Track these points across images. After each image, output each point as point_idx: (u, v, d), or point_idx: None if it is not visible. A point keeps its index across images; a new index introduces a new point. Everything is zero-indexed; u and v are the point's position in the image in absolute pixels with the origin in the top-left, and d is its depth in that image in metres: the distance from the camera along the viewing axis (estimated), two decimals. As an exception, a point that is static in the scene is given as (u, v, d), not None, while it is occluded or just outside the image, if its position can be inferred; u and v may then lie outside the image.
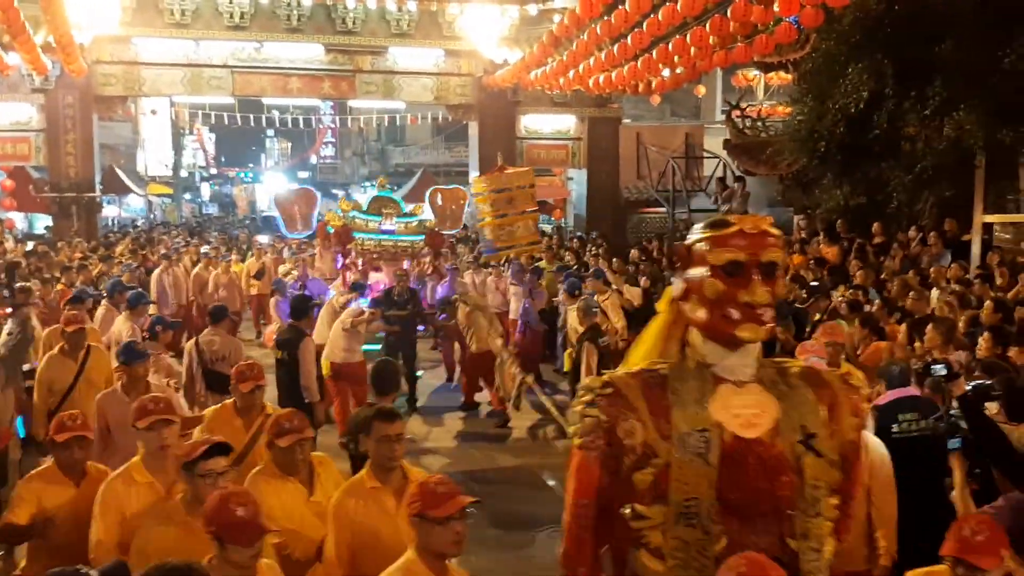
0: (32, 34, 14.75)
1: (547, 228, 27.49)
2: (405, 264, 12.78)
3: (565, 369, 10.34)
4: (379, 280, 12.30)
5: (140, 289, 10.31)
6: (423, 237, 12.86)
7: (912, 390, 5.17)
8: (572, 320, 9.86)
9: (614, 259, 14.43)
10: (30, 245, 17.66)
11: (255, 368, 5.15)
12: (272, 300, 12.95)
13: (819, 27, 12.74)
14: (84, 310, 8.07)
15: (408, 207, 13.14)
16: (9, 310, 8.26)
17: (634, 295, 11.26)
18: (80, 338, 6.82)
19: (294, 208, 13.33)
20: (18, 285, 9.95)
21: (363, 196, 14.86)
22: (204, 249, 17.37)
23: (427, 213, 13.14)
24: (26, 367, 7.32)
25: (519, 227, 13.32)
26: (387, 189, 13.68)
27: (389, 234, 12.49)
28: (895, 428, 4.89)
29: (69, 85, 18.84)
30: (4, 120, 19.31)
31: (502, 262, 13.79)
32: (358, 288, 10.80)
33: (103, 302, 9.87)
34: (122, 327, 8.32)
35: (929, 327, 6.84)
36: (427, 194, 13.49)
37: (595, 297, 10.66)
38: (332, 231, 12.61)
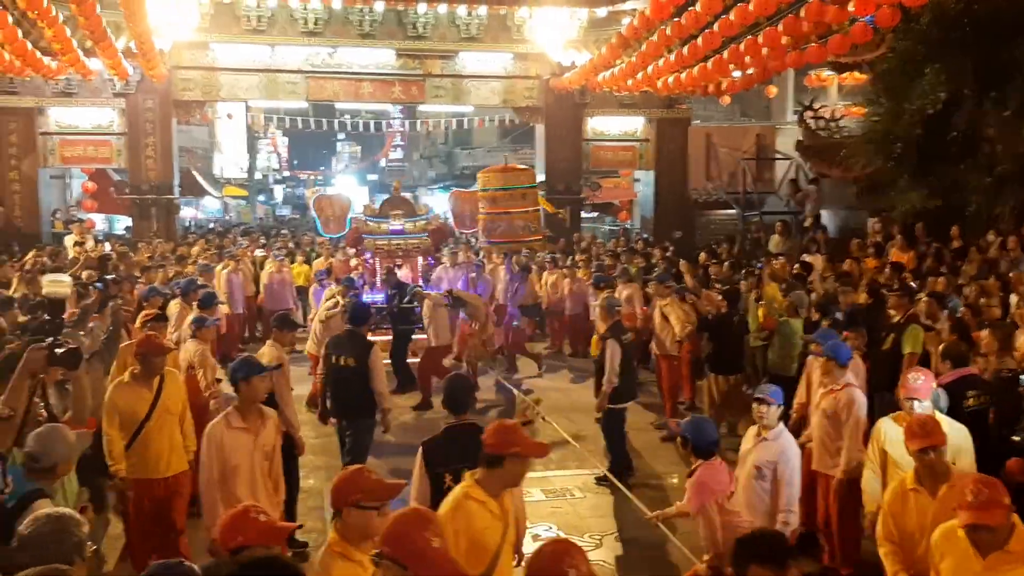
0: (114, 40, 15.24)
1: (613, 229, 27.46)
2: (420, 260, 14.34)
3: (593, 354, 10.57)
4: (405, 276, 13.49)
5: (212, 289, 10.66)
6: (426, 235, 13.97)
7: (972, 369, 6.31)
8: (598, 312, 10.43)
9: (682, 261, 14.30)
10: (109, 246, 18.23)
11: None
12: (311, 288, 14.11)
13: (895, 27, 12.45)
14: (164, 329, 7.60)
15: (418, 208, 14.43)
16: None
17: (713, 301, 11.02)
18: (158, 364, 6.15)
19: (330, 210, 14.40)
20: (109, 277, 10.29)
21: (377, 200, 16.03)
22: (258, 252, 17.81)
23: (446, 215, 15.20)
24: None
25: (519, 223, 14.21)
26: (399, 192, 14.85)
27: (397, 234, 13.59)
28: (965, 404, 5.86)
29: (149, 90, 19.40)
30: (87, 123, 19.96)
31: (502, 255, 14.74)
32: (347, 283, 11.88)
33: (176, 299, 10.14)
34: (173, 314, 8.98)
35: (985, 332, 6.81)
36: (448, 195, 14.76)
37: (658, 300, 10.99)
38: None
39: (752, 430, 5.85)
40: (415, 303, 12.10)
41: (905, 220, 13.94)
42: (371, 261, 14.08)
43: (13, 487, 3.74)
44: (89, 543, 3.15)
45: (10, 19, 12.63)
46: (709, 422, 5.57)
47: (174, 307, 9.98)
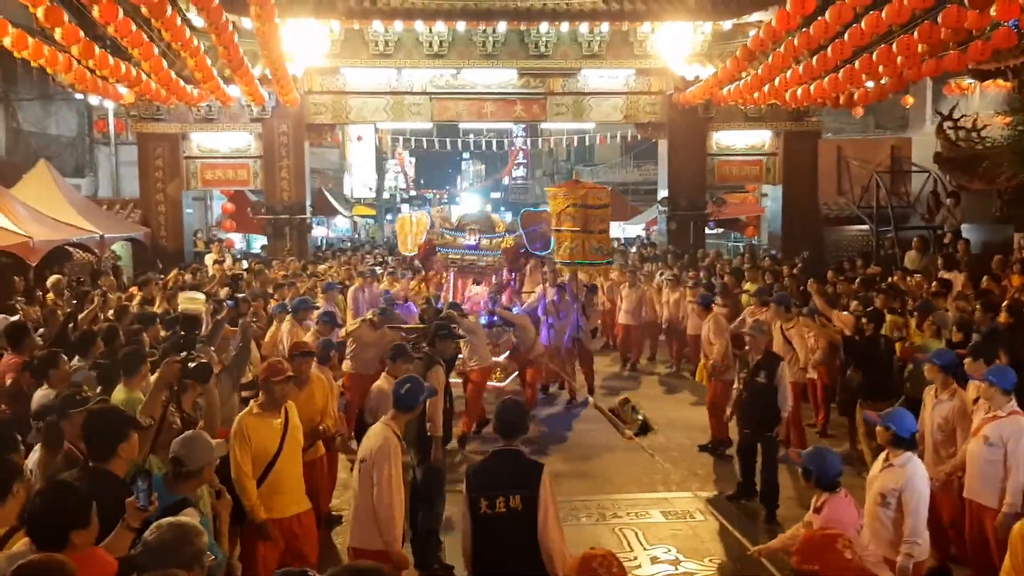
0: (250, 68, 15.97)
1: (735, 246, 26.86)
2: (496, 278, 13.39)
3: (696, 379, 10.63)
4: (479, 294, 12.98)
5: (307, 298, 11.08)
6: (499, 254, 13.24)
7: None
8: (706, 332, 10.66)
9: (810, 280, 13.79)
10: (246, 264, 19.05)
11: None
12: (351, 290, 13.85)
13: (1043, 29, 11.78)
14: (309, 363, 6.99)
15: (495, 224, 13.62)
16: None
17: (845, 322, 10.51)
18: (285, 391, 5.78)
19: (409, 227, 13.96)
20: (240, 296, 10.71)
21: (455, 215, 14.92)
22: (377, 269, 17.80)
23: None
24: (243, 380, 7.77)
25: (593, 244, 12.56)
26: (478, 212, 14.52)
27: (471, 249, 13.07)
28: None
29: (283, 114, 20.23)
30: (226, 148, 20.97)
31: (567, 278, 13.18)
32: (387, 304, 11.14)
33: (288, 317, 10.24)
34: (284, 331, 9.16)
35: None
36: (520, 215, 13.81)
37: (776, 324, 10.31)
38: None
39: (880, 456, 5.57)
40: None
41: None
42: (444, 277, 13.71)
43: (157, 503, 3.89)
44: (208, 554, 3.25)
45: (156, 50, 13.42)
46: (832, 452, 5.18)
47: (285, 326, 10.03)
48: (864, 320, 9.65)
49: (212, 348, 6.81)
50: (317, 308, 10.22)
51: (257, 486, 5.44)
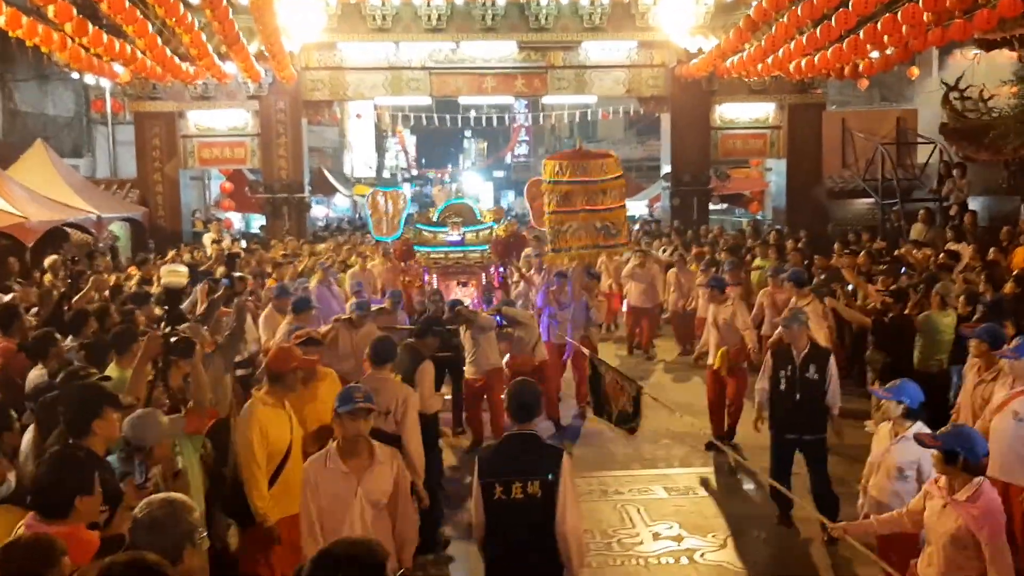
0: (246, 44, 15.77)
1: (736, 221, 26.68)
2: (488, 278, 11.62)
3: (715, 366, 9.38)
4: (468, 296, 11.33)
5: (307, 296, 9.37)
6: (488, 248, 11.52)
7: None
8: (726, 318, 9.44)
9: (816, 256, 13.64)
10: (245, 243, 18.93)
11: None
12: (350, 272, 12.86)
13: (1051, -3, 11.53)
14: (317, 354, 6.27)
15: (483, 214, 11.92)
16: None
17: (875, 296, 10.18)
18: (294, 380, 5.44)
19: (381, 207, 12.71)
20: (236, 275, 10.56)
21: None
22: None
23: (507, 220, 12.42)
24: (237, 358, 7.68)
25: (596, 223, 10.06)
26: (461, 196, 12.59)
27: (455, 245, 11.42)
28: None
29: (280, 91, 20.02)
30: (223, 126, 20.80)
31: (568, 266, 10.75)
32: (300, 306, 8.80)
33: (269, 305, 9.57)
34: (281, 332, 8.17)
35: None
36: (527, 185, 12.42)
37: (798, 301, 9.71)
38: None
39: (884, 428, 5.51)
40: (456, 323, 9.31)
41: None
42: (427, 279, 11.76)
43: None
44: (200, 530, 3.16)
45: (151, 28, 13.22)
46: (975, 430, 4.72)
47: (266, 310, 9.49)
48: (890, 299, 9.37)
49: (206, 327, 6.70)
50: (315, 307, 9.07)
51: (272, 484, 5.13)
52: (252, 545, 5.18)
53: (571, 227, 10.04)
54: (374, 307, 9.45)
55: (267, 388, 5.33)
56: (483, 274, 11.65)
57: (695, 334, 13.30)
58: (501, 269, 11.84)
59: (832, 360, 7.16)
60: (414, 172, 67.55)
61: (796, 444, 7.13)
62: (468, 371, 9.44)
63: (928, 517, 4.50)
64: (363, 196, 43.71)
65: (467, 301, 10.76)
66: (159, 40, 13.97)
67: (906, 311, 9.30)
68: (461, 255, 11.47)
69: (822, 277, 12.11)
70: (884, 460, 5.38)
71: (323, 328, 8.43)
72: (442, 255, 11.51)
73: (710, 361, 9.60)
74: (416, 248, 11.68)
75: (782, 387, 7.11)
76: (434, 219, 11.59)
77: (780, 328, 7.78)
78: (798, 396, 7.02)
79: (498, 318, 9.85)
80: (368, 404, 4.38)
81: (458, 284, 11.50)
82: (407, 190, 66.03)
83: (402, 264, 12.58)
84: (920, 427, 5.20)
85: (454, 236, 11.39)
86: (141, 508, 3.19)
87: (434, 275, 11.59)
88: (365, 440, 4.45)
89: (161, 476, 4.21)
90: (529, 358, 9.82)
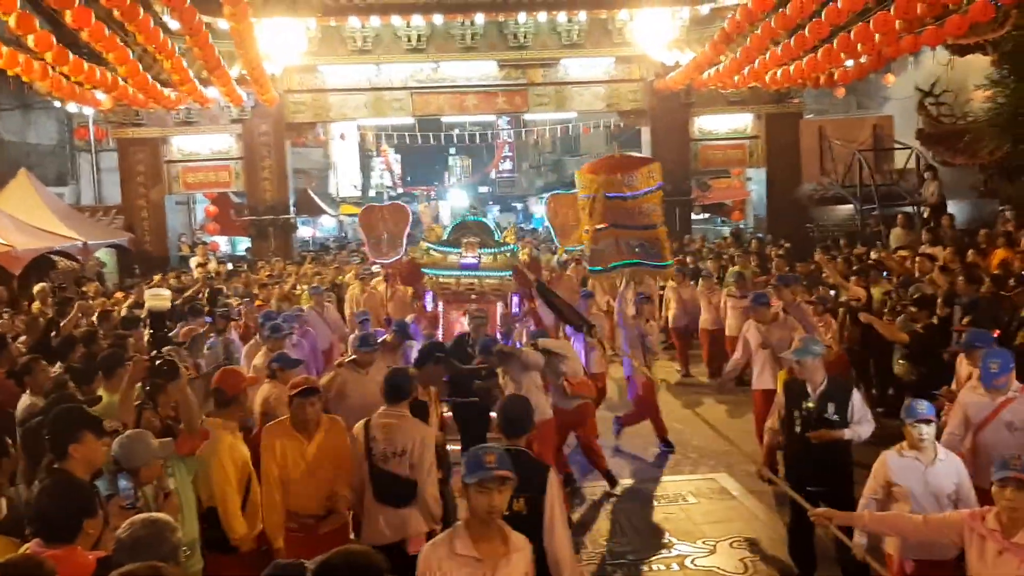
0: (227, 68, 15.86)
1: (725, 230, 26.85)
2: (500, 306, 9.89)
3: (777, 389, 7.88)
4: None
5: (279, 322, 8.40)
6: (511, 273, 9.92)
7: None
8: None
9: (798, 264, 13.82)
10: (231, 265, 18.97)
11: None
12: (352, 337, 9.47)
13: (1019, 2, 11.79)
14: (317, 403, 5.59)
15: (502, 234, 10.35)
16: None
17: (857, 294, 10.36)
18: (310, 411, 5.31)
19: (380, 226, 11.07)
20: (220, 311, 10.23)
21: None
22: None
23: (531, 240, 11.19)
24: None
25: (633, 242, 8.92)
26: (478, 214, 10.50)
27: (470, 269, 9.83)
28: None
29: (263, 114, 20.13)
30: (207, 150, 20.88)
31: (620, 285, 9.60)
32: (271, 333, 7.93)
33: (256, 336, 8.84)
34: (257, 362, 7.67)
35: None
36: (546, 201, 10.98)
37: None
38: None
39: (908, 457, 5.06)
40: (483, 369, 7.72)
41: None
42: (432, 306, 10.20)
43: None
44: (185, 550, 3.22)
45: (131, 55, 13.31)
46: None
47: (254, 343, 8.80)
48: (915, 309, 8.85)
49: (187, 354, 6.73)
50: (289, 335, 8.24)
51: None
52: (225, 571, 5.08)
53: (609, 245, 8.88)
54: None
55: (221, 412, 5.25)
56: (499, 303, 9.87)
57: (718, 351, 12.76)
58: (516, 297, 10.12)
59: (856, 393, 6.22)
60: (400, 190, 67.45)
61: (818, 497, 5.91)
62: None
63: (975, 561, 4.11)
64: (351, 216, 43.98)
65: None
66: (140, 67, 14.06)
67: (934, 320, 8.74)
68: (475, 281, 9.87)
69: (803, 283, 12.23)
70: (922, 488, 4.97)
71: (324, 378, 7.15)
72: (453, 280, 9.89)
73: (761, 385, 8.58)
74: (425, 272, 10.03)
75: (797, 429, 6.13)
76: (444, 237, 10.08)
77: (792, 361, 6.48)
78: (815, 442, 6.02)
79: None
80: (504, 471, 3.55)
81: (465, 314, 9.37)
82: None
83: (401, 288, 11.22)
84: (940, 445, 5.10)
85: (469, 259, 9.82)
86: (124, 528, 3.24)
87: (439, 302, 10.07)
88: (498, 522, 3.71)
89: (153, 497, 4.25)
90: (584, 385, 8.43)
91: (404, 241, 11.13)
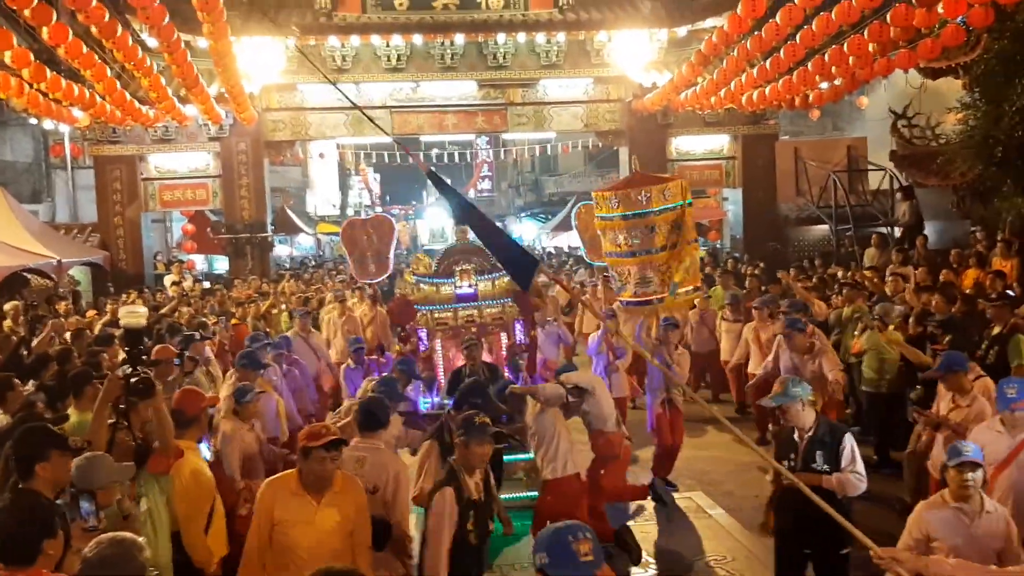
0: (206, 86, 15.84)
1: (703, 251, 27.01)
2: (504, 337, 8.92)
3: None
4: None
5: (254, 350, 8.15)
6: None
7: None
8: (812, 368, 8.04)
9: (780, 272, 14.00)
10: (208, 284, 18.86)
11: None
12: (342, 368, 9.48)
13: (990, 26, 11.98)
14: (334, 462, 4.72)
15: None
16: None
17: (822, 311, 10.63)
18: (326, 467, 4.46)
19: (363, 242, 10.09)
20: (187, 355, 9.70)
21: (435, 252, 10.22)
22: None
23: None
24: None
25: (649, 273, 7.70)
26: (467, 239, 9.13)
27: (467, 301, 8.77)
28: None
29: (241, 132, 20.07)
30: (184, 168, 20.77)
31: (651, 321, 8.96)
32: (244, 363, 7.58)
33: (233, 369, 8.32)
34: (224, 392, 7.34)
35: None
36: (572, 214, 9.80)
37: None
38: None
39: (951, 509, 4.56)
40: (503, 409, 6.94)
41: (1012, 227, 13.30)
42: (426, 344, 9.00)
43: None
44: (152, 570, 3.19)
45: (109, 72, 13.27)
46: None
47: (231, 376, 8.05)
48: (938, 330, 8.55)
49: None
50: (260, 393, 7.19)
51: None
52: None
53: (629, 272, 7.81)
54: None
55: (181, 434, 5.11)
56: (503, 334, 8.95)
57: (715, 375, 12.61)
58: (519, 324, 9.05)
59: (850, 440, 5.38)
60: (378, 209, 67.50)
61: (807, 560, 5.50)
62: (546, 473, 6.74)
63: None
64: (329, 234, 43.92)
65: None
66: (118, 84, 14.01)
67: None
68: (475, 312, 8.83)
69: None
70: (972, 544, 4.49)
71: (339, 419, 6.42)
72: (450, 314, 8.84)
73: None
74: (418, 308, 8.93)
75: (785, 481, 5.34)
76: (433, 268, 9.05)
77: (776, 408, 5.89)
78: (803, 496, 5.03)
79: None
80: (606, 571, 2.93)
81: (464, 350, 8.43)
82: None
83: (382, 310, 10.48)
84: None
85: (465, 288, 8.74)
86: (91, 548, 3.20)
87: (437, 340, 8.93)
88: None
89: (114, 519, 4.18)
90: (615, 437, 7.43)
91: (391, 257, 10.14)
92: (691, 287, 7.78)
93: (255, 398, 6.66)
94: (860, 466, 5.30)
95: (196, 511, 4.95)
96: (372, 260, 10.09)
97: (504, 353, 8.83)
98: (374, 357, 9.39)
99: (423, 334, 8.94)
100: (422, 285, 8.85)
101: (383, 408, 5.34)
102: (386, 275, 10.21)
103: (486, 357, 8.64)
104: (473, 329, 8.72)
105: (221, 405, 6.68)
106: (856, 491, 5.26)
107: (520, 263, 4.80)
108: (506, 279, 8.61)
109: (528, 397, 7.01)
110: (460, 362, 8.47)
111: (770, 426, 8.50)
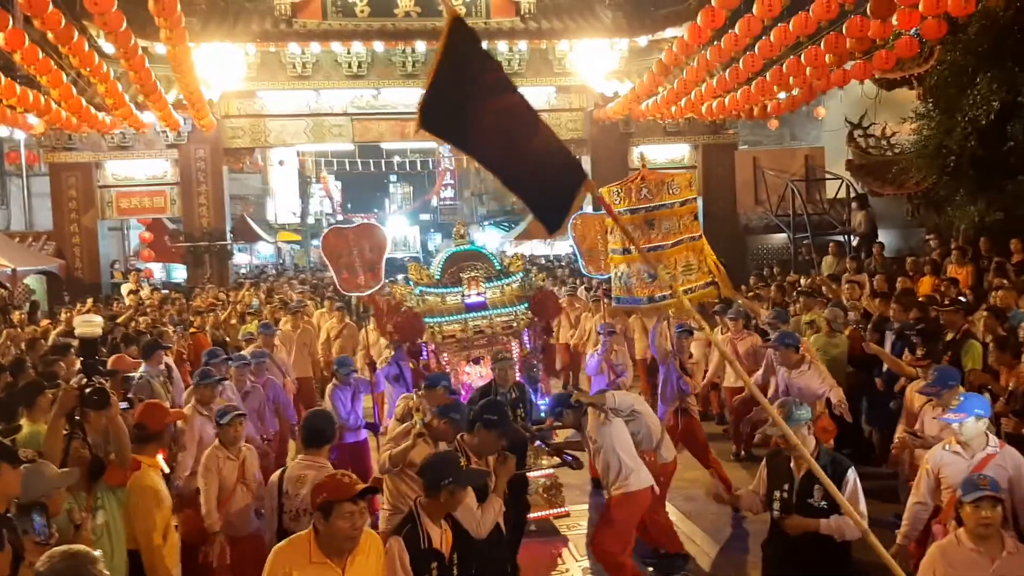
0: (164, 93, 15.67)
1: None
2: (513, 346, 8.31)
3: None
4: (480, 376, 8.21)
5: (207, 370, 7.32)
6: (527, 306, 8.33)
7: None
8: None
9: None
10: (166, 291, 18.61)
11: None
12: (329, 387, 8.61)
13: (943, 38, 12.24)
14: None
15: (504, 262, 8.87)
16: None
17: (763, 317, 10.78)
18: (352, 529, 4.10)
19: (351, 252, 8.96)
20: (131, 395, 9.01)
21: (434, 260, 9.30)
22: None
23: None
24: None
25: (681, 261, 7.36)
26: (469, 242, 8.91)
27: (477, 310, 8.21)
28: None
29: (200, 139, 19.87)
30: (142, 175, 20.49)
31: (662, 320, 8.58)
32: (432, 382, 6.58)
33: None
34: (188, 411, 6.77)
35: None
36: (569, 225, 9.09)
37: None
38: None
39: (969, 550, 4.16)
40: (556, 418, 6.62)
41: (966, 235, 13.57)
42: (429, 358, 8.35)
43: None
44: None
45: (65, 78, 13.07)
46: None
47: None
48: (917, 339, 7.86)
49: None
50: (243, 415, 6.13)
51: None
52: None
53: (631, 270, 7.30)
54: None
55: (142, 449, 4.96)
56: (514, 344, 8.35)
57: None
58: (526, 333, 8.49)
59: (853, 475, 4.73)
60: (339, 217, 67.15)
61: None
62: (615, 488, 6.23)
63: None
64: (289, 242, 43.63)
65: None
66: (74, 90, 13.82)
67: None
68: (485, 322, 8.22)
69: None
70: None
71: (385, 452, 5.77)
72: (459, 325, 8.19)
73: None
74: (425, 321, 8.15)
75: (775, 513, 4.91)
76: (436, 277, 8.34)
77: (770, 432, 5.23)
78: (790, 532, 4.79)
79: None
80: None
81: (470, 362, 8.15)
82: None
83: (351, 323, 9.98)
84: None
85: (474, 297, 8.21)
86: (43, 562, 3.12)
87: (443, 353, 8.22)
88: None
89: (64, 529, 4.09)
90: (664, 466, 7.07)
91: (383, 267, 9.12)
92: (703, 282, 7.44)
93: (238, 420, 5.79)
94: (863, 505, 4.64)
95: (153, 527, 4.72)
96: (362, 270, 9.02)
97: (520, 363, 8.26)
98: (366, 379, 8.77)
99: (424, 348, 8.24)
100: (427, 296, 8.19)
101: (330, 423, 5.15)
102: (377, 286, 9.12)
103: (482, 370, 8.13)
104: (484, 340, 8.19)
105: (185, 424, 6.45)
106: (855, 536, 4.56)
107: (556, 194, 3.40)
108: (515, 285, 8.38)
109: (589, 409, 6.35)
110: (467, 378, 8.04)
111: (756, 435, 7.78)
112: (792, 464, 4.84)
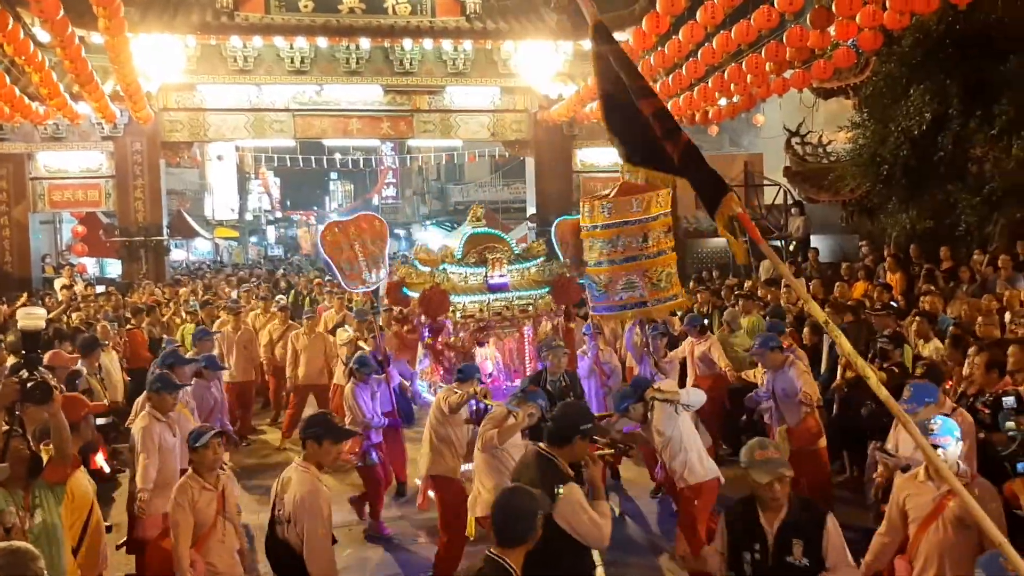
0: (101, 84, 15.30)
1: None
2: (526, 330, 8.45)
3: None
4: (485, 359, 8.32)
5: (166, 376, 6.50)
6: (548, 290, 8.39)
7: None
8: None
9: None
10: (102, 287, 18.18)
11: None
12: (348, 387, 8.20)
13: (879, 50, 12.59)
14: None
15: (521, 246, 8.98)
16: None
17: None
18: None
19: (353, 246, 8.81)
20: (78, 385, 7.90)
21: (452, 239, 9.50)
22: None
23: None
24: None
25: (635, 277, 7.56)
26: (484, 225, 8.93)
27: (500, 291, 8.18)
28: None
29: (137, 132, 19.45)
30: (76, 168, 19.98)
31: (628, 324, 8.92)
32: (466, 374, 6.90)
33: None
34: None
35: (1013, 348, 6.39)
36: (554, 227, 9.00)
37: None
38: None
39: (919, 479, 4.45)
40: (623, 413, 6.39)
41: (897, 242, 13.96)
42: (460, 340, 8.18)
43: None
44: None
45: (-3, 65, 12.70)
46: None
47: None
48: (888, 346, 7.82)
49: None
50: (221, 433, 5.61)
51: None
52: None
53: (621, 281, 7.53)
54: None
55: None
56: (526, 327, 8.46)
57: None
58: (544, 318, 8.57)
59: (832, 524, 4.02)
60: (278, 214, 66.36)
61: None
62: (688, 478, 6.16)
63: None
64: (227, 239, 42.95)
65: (489, 366, 8.28)
66: (7, 79, 13.42)
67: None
68: (505, 304, 8.19)
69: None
70: (947, 511, 4.27)
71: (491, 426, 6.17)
72: (480, 305, 8.16)
73: None
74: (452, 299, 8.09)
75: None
76: (458, 257, 8.28)
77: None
78: None
79: (474, 404, 6.89)
80: None
81: (547, 352, 7.77)
82: (271, 232, 64.97)
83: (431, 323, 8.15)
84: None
85: (497, 278, 8.18)
86: None
87: (461, 335, 8.13)
88: None
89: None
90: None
91: (385, 262, 8.97)
92: (672, 293, 7.66)
93: (216, 442, 5.11)
94: (848, 556, 4.02)
95: (70, 526, 4.56)
96: (367, 264, 8.74)
97: (529, 348, 8.33)
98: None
99: (449, 329, 8.10)
100: (450, 272, 8.15)
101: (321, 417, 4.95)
102: (381, 279, 8.92)
103: (490, 352, 8.21)
104: (505, 323, 8.20)
105: (138, 434, 6.03)
106: None
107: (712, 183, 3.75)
108: (533, 269, 8.43)
109: (655, 403, 6.21)
110: (480, 360, 8.01)
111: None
112: (762, 519, 4.05)
